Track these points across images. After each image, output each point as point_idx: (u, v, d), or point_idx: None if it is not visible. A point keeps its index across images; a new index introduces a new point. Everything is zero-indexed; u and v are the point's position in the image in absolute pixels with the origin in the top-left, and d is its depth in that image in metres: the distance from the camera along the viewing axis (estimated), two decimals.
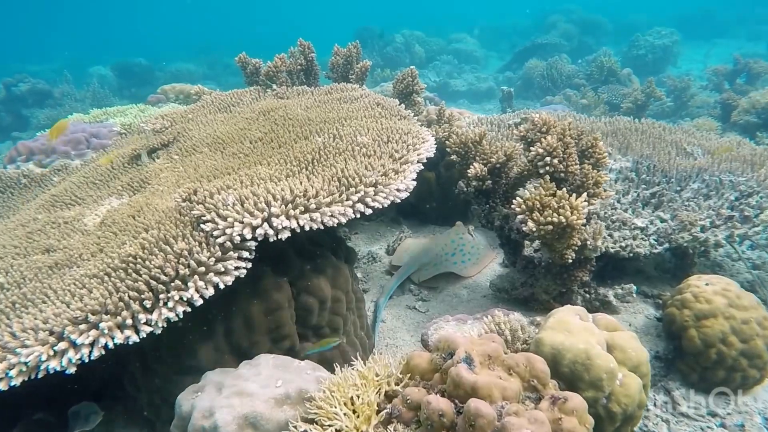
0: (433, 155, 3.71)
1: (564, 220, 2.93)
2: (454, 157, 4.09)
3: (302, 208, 2.66)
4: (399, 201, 3.04)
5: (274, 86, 5.24)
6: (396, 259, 4.94)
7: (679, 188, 4.46)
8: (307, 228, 2.65)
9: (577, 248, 3.24)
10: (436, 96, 10.55)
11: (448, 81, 16.33)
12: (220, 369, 2.60)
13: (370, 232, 5.73)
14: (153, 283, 2.41)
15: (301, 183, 2.86)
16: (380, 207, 2.93)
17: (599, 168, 3.43)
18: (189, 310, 2.44)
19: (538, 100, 12.71)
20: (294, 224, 2.61)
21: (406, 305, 4.35)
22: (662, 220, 4.08)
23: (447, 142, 4.18)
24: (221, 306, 2.82)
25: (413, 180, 3.23)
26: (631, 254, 3.73)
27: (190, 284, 2.43)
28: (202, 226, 2.68)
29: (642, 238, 3.90)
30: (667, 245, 3.84)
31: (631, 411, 2.46)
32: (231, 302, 2.83)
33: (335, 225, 2.73)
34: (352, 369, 2.37)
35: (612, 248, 3.72)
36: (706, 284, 3.49)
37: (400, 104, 4.46)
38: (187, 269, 2.47)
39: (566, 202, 2.98)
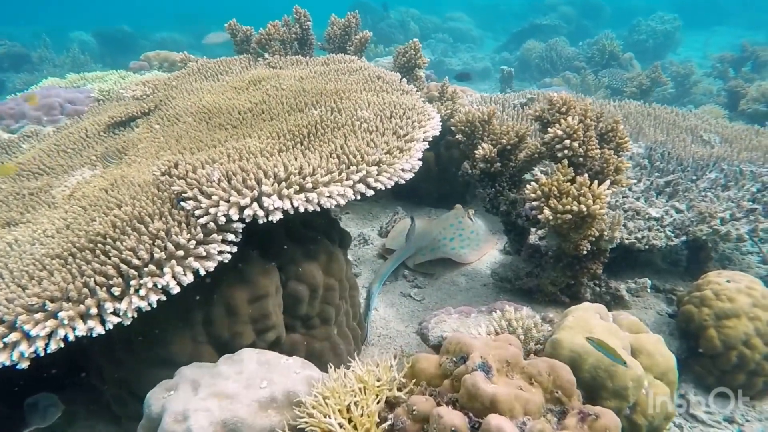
0: (438, 134, 3.41)
1: (585, 210, 2.66)
2: (459, 136, 3.78)
3: (297, 188, 2.36)
4: (403, 182, 2.75)
5: (266, 55, 4.86)
6: (390, 242, 4.66)
7: (695, 177, 4.21)
8: (301, 209, 2.35)
9: (594, 239, 2.98)
10: (432, 73, 10.18)
11: (443, 60, 15.89)
12: (196, 364, 2.31)
13: (362, 213, 5.43)
14: (123, 267, 2.10)
15: (296, 159, 2.54)
16: (383, 188, 2.63)
17: (620, 153, 3.16)
18: (164, 298, 2.13)
19: (536, 82, 12.39)
20: (287, 205, 2.30)
21: (401, 292, 4.08)
22: (678, 211, 3.84)
23: (452, 120, 3.87)
24: (200, 291, 2.52)
25: (419, 160, 2.93)
26: (647, 246, 3.48)
27: (166, 270, 2.12)
28: (182, 204, 2.36)
29: (657, 230, 3.65)
30: (684, 238, 3.60)
31: (657, 423, 2.22)
32: (211, 287, 2.53)
33: (333, 207, 2.43)
34: (349, 371, 2.10)
35: (627, 240, 3.47)
36: (728, 281, 3.26)
37: (401, 79, 4.13)
38: (163, 252, 2.16)
39: (588, 189, 2.70)
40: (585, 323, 2.36)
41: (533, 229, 3.81)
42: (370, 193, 2.57)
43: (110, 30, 18.55)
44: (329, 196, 2.41)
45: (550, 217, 2.76)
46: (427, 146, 3.15)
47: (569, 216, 2.71)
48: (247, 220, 2.29)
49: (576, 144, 2.95)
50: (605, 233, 3.07)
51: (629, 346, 2.33)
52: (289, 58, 4.76)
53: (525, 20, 18.05)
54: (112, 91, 5.10)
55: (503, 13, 24.16)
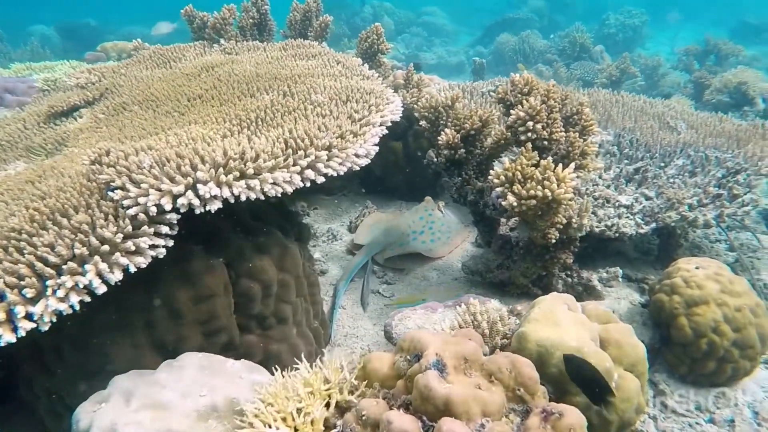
0: (399, 118, 3.23)
1: (549, 194, 2.51)
2: (423, 123, 3.62)
3: (237, 174, 2.16)
4: (357, 168, 2.57)
5: (222, 41, 4.63)
6: (358, 238, 4.47)
7: (663, 164, 4.12)
8: (243, 198, 2.15)
9: (561, 227, 2.84)
10: (404, 66, 10.01)
11: (418, 54, 15.75)
12: (133, 372, 2.10)
13: (330, 208, 5.24)
14: (39, 265, 1.88)
15: (239, 144, 2.34)
16: (335, 174, 2.44)
17: (586, 136, 3.03)
18: (87, 299, 1.91)
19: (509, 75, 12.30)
20: (226, 193, 2.10)
21: (369, 289, 3.90)
22: (647, 198, 3.74)
23: (415, 106, 3.70)
24: (141, 293, 2.31)
25: (375, 145, 2.75)
26: (617, 234, 3.36)
27: (88, 267, 1.90)
28: (110, 194, 2.15)
29: (627, 217, 3.54)
30: (654, 225, 3.49)
31: (629, 417, 2.09)
32: (152, 288, 2.32)
33: (278, 195, 2.24)
34: (296, 373, 1.91)
35: (597, 227, 3.35)
36: (697, 267, 3.17)
37: (363, 64, 3.94)
38: (85, 248, 1.94)
39: (552, 173, 2.55)
40: (552, 315, 2.21)
41: (503, 220, 3.67)
42: (320, 180, 2.39)
43: (74, 24, 17.91)
44: (274, 183, 2.22)
45: (514, 204, 2.61)
46: (386, 132, 2.97)
47: (534, 202, 2.56)
48: (181, 210, 2.08)
49: (539, 126, 2.81)
50: (573, 221, 2.93)
51: (597, 337, 2.19)
52: (246, 44, 4.53)
53: (499, 15, 17.98)
54: (59, 81, 4.80)
55: (477, 8, 24.10)
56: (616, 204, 3.65)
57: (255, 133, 2.58)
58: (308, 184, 2.38)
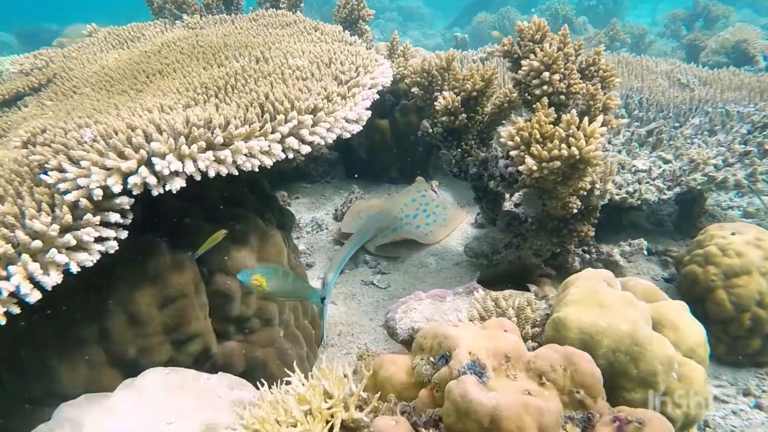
0: (390, 83, 2.84)
1: (576, 153, 2.14)
2: (414, 90, 3.22)
3: (203, 144, 1.74)
4: (348, 135, 2.17)
5: (185, 16, 4.17)
6: (346, 226, 4.06)
7: (677, 124, 3.78)
8: (212, 173, 1.74)
9: (585, 193, 2.47)
10: None
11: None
12: (84, 398, 1.68)
13: (314, 196, 4.82)
14: None
15: (204, 111, 1.92)
16: (322, 143, 2.04)
17: (606, 90, 2.66)
18: (16, 311, 1.49)
19: None
20: (190, 168, 1.68)
21: (362, 280, 3.51)
22: (665, 161, 3.39)
23: (405, 72, 3.30)
24: (92, 299, 1.89)
25: (367, 110, 2.35)
26: (639, 201, 3.01)
27: (14, 269, 1.47)
28: (43, 177, 1.71)
29: (647, 182, 3.19)
30: (678, 189, 3.15)
31: (694, 414, 1.73)
32: (106, 291, 1.90)
33: (255, 169, 1.83)
34: (288, 387, 1.51)
35: (617, 195, 2.99)
36: (733, 233, 2.83)
37: (344, 31, 3.53)
38: (10, 245, 1.51)
39: (578, 129, 2.18)
40: (594, 295, 1.84)
41: (507, 195, 3.30)
42: (305, 149, 1.98)
43: (35, 29, 17.04)
44: (249, 155, 1.80)
45: (534, 168, 2.23)
46: (377, 97, 2.58)
47: (557, 164, 2.18)
48: (135, 192, 1.66)
49: (556, 77, 2.43)
50: (597, 186, 2.57)
51: (650, 319, 1.83)
52: (212, 17, 4.07)
53: None
54: (3, 73, 4.30)
55: None
56: (633, 169, 3.30)
57: (224, 101, 2.16)
58: (290, 155, 1.97)
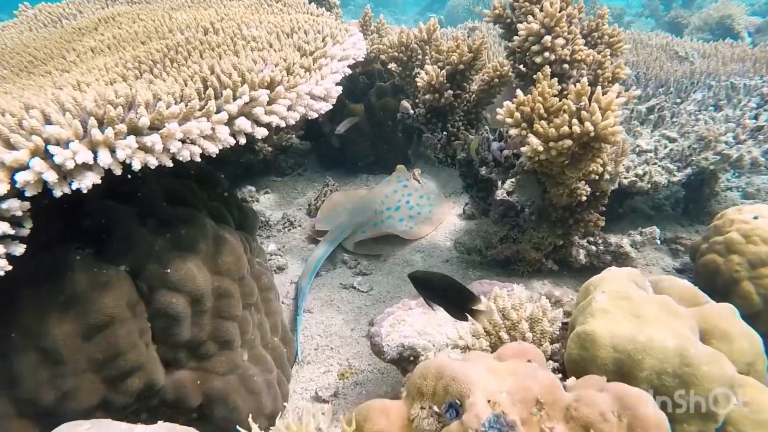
0: (362, 57, 2.44)
1: (591, 129, 1.78)
2: (392, 66, 2.83)
3: (122, 128, 1.32)
4: (315, 115, 1.77)
5: None
6: (320, 222, 3.66)
7: (679, 100, 3.47)
8: (136, 165, 1.33)
9: (597, 177, 2.12)
10: None
11: None
12: None
13: (284, 190, 4.40)
14: None
15: (130, 88, 1.50)
16: (282, 124, 1.64)
17: (614, 57, 2.31)
18: None
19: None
20: (105, 159, 1.27)
21: (340, 284, 3.12)
22: (671, 140, 3.07)
23: (381, 47, 2.91)
24: None
25: (337, 85, 1.96)
26: (650, 185, 2.69)
27: None
28: None
29: (654, 164, 2.87)
30: (689, 170, 2.83)
31: None
32: (8, 323, 1.48)
33: (197, 158, 1.43)
34: None
35: (625, 178, 2.66)
36: (755, 217, 2.53)
37: (310, 2, 3.11)
38: None
39: (588, 99, 1.82)
40: (626, 301, 1.49)
41: (500, 182, 2.95)
42: (262, 132, 1.58)
43: None
44: (187, 140, 1.40)
45: (540, 149, 1.86)
46: (349, 71, 2.18)
47: (568, 143, 1.82)
48: (29, 194, 1.24)
49: (560, 42, 2.07)
50: (608, 169, 2.22)
51: (697, 329, 1.49)
52: None
53: None
54: None
55: None
56: (637, 150, 2.97)
57: (160, 77, 1.75)
58: (243, 140, 1.56)
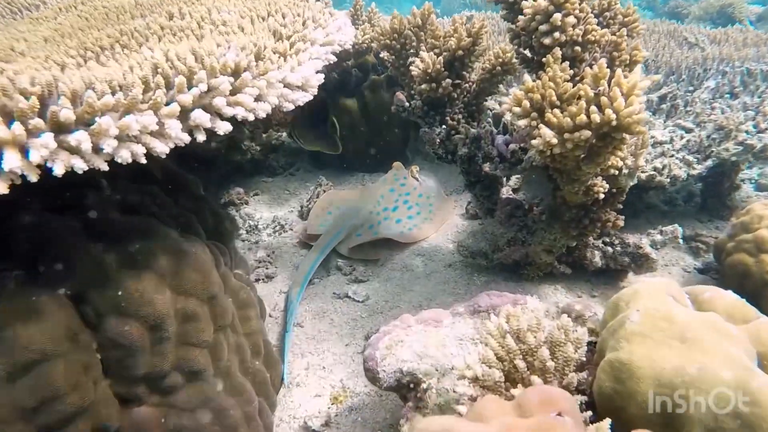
0: (351, 46, 2.18)
1: (613, 117, 1.52)
2: (384, 54, 2.57)
3: (38, 123, 1.06)
4: (291, 107, 1.51)
5: None
6: (312, 225, 3.40)
7: (691, 88, 3.21)
8: (58, 170, 1.07)
9: (617, 172, 1.86)
10: None
11: None
12: None
13: (275, 191, 4.14)
14: None
15: (53, 76, 1.23)
16: (249, 118, 1.38)
17: (630, 37, 2.05)
18: None
19: None
20: (12, 163, 1.01)
21: (334, 293, 2.86)
22: (687, 130, 2.81)
23: (372, 34, 2.65)
24: None
25: (318, 73, 1.70)
26: (669, 178, 2.43)
27: None
28: None
29: (671, 156, 2.61)
30: (709, 162, 2.57)
31: None
32: None
33: (142, 159, 1.17)
34: None
35: (643, 172, 2.40)
36: None
37: None
38: None
39: (606, 83, 1.56)
40: (667, 321, 1.23)
41: (504, 179, 2.69)
42: (224, 128, 1.32)
43: None
44: (128, 138, 1.14)
45: (554, 141, 1.60)
46: (334, 58, 1.92)
47: (587, 133, 1.56)
48: None
49: (571, 20, 1.80)
50: (627, 163, 1.96)
51: (753, 351, 1.23)
52: None
53: None
54: None
55: None
56: (652, 141, 2.71)
57: (105, 64, 1.48)
58: (202, 138, 1.30)
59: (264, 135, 4.28)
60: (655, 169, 2.44)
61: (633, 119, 1.54)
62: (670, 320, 1.22)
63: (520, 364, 1.32)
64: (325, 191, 3.81)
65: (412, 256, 3.11)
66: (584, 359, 1.34)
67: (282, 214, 3.83)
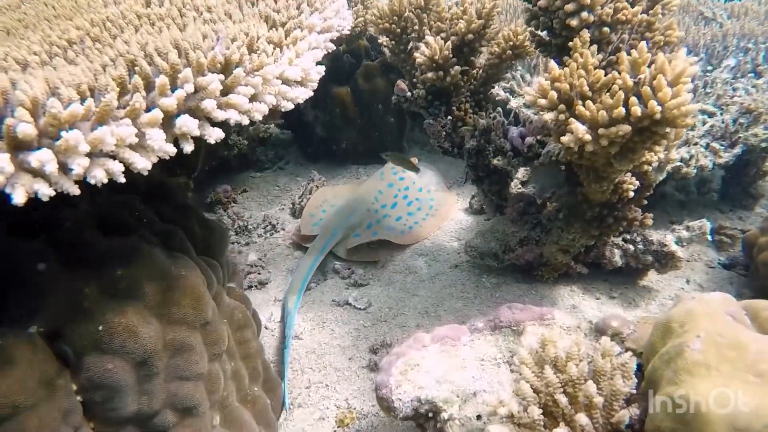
0: (348, 30, 1.97)
1: (657, 110, 1.34)
2: (382, 39, 2.36)
3: None
4: (290, 106, 1.32)
5: None
6: (306, 225, 3.20)
7: (710, 67, 3.04)
8: (19, 200, 0.87)
9: (650, 168, 1.70)
10: None
11: None
12: None
13: (265, 188, 3.93)
14: None
15: (9, 80, 1.03)
16: (244, 122, 1.18)
17: (664, 14, 1.87)
18: None
19: None
20: None
21: (333, 300, 2.67)
22: (709, 114, 2.65)
23: (368, 17, 2.44)
24: None
25: (318, 65, 1.50)
26: (696, 169, 2.27)
27: None
28: None
29: (695, 144, 2.45)
30: (738, 150, 2.42)
31: None
32: None
33: (121, 179, 0.97)
34: None
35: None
36: None
37: None
38: None
39: (653, 71, 1.38)
40: (735, 350, 1.07)
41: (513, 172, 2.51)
42: (216, 134, 1.12)
43: None
44: (101, 154, 0.94)
45: (587, 138, 1.43)
46: (333, 46, 1.72)
47: (626, 128, 1.38)
48: None
49: None
50: (659, 156, 1.79)
51: None
52: None
53: None
54: None
55: None
56: None
57: (73, 62, 1.28)
58: (189, 148, 1.11)
59: (251, 127, 4.06)
60: (682, 159, 2.28)
61: (681, 111, 1.36)
62: (739, 348, 1.07)
63: (562, 399, 1.16)
64: (317, 187, 3.62)
65: (415, 256, 2.94)
66: (635, 391, 1.18)
67: (273, 212, 3.63)
